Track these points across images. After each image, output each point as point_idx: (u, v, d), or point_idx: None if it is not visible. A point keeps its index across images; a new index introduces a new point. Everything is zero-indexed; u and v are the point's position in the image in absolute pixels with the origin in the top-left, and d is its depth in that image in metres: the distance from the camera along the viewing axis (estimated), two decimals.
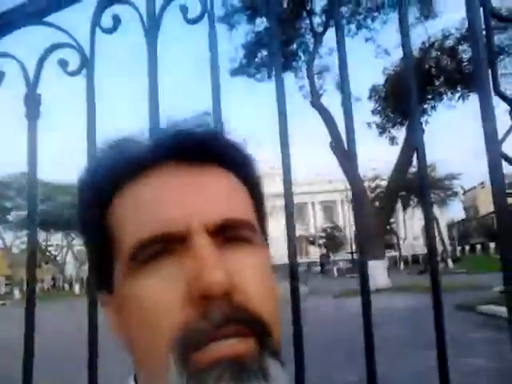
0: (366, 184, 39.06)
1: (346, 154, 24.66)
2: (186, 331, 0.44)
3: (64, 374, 7.87)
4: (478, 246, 70.33)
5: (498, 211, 1.18)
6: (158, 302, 0.46)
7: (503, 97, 1.33)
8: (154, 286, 0.46)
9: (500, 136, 1.26)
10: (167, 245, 0.47)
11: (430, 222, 1.30)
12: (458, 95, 23.13)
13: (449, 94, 23.51)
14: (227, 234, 0.49)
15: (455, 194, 56.19)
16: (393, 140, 26.17)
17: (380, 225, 25.36)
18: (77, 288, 53.94)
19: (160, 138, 0.53)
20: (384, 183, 37.54)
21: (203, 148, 0.52)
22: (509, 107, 1.32)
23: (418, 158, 1.29)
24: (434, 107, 24.06)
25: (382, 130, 26.11)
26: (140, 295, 0.47)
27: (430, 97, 23.51)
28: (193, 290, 0.45)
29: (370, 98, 25.49)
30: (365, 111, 25.94)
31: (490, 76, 1.27)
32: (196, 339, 0.44)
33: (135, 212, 0.50)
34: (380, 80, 25.06)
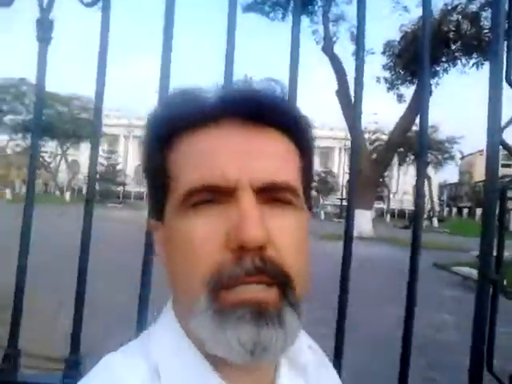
0: (366, 136, 38.79)
1: (350, 104, 24.38)
2: (219, 272, 0.49)
3: (53, 270, 8.25)
4: (465, 210, 71.19)
5: (489, 182, 1.31)
6: (200, 242, 0.51)
7: None
8: (199, 227, 0.51)
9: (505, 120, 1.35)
10: (216, 194, 0.52)
11: (421, 179, 1.38)
12: (472, 62, 22.57)
13: (464, 59, 22.91)
14: (272, 194, 0.53)
15: (452, 157, 55.90)
16: (400, 97, 25.75)
17: (373, 176, 25.48)
18: (67, 196, 54.39)
19: (226, 95, 0.56)
20: (384, 137, 37.31)
21: (263, 110, 0.54)
22: None
23: (420, 115, 1.37)
24: (446, 70, 23.51)
25: (391, 85, 25.58)
26: (186, 232, 0.52)
27: (444, 59, 22.94)
28: (232, 239, 0.49)
29: (383, 52, 24.77)
30: (376, 65, 25.38)
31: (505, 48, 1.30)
32: (227, 280, 0.49)
33: (192, 159, 0.54)
34: (396, 36, 24.33)
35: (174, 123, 0.56)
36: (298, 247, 0.54)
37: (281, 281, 0.51)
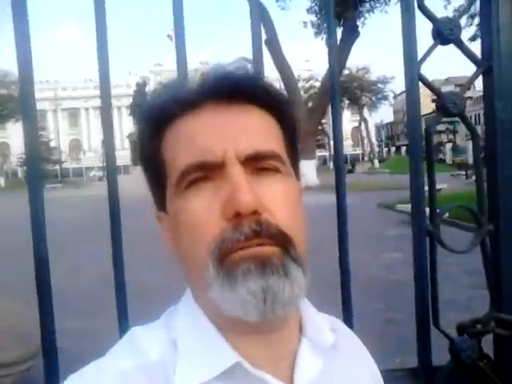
0: (300, 84, 38.85)
1: (280, 52, 24.24)
2: (221, 240, 0.53)
3: None
4: (404, 148, 73.76)
5: (411, 121, 1.23)
6: (200, 216, 0.55)
7: (427, 13, 1.27)
8: (197, 202, 0.56)
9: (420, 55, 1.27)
10: (206, 172, 0.56)
11: (338, 122, 1.28)
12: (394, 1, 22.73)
13: None
14: (258, 163, 0.57)
15: (385, 97, 57.37)
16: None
17: (312, 125, 25.77)
18: (1, 181, 52.50)
19: (204, 80, 0.60)
20: (318, 84, 37.53)
21: (241, 89, 0.59)
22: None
23: (329, 62, 1.27)
24: (371, 10, 23.62)
25: (318, 30, 25.53)
26: (185, 210, 0.57)
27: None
28: (227, 209, 0.53)
29: None
30: (302, 10, 25.15)
31: None
32: (229, 246, 0.53)
33: (181, 144, 0.58)
34: None
35: (161, 113, 0.60)
36: (292, 210, 0.57)
37: (280, 240, 0.54)
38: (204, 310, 0.60)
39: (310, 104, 29.55)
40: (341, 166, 1.28)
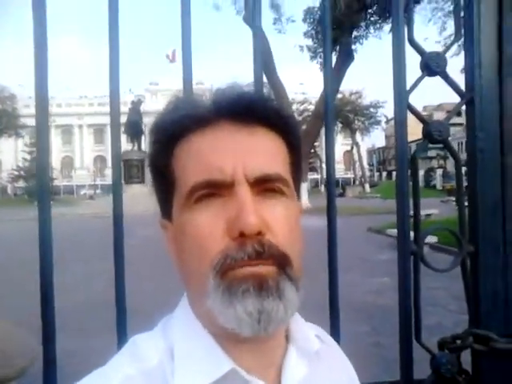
0: (294, 107, 39.22)
1: (274, 72, 24.43)
2: (224, 256, 0.56)
3: None
4: (395, 173, 74.12)
5: (399, 148, 1.30)
6: (205, 233, 0.58)
7: (416, 48, 1.34)
8: (203, 218, 0.58)
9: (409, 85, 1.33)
10: (216, 189, 0.58)
11: (331, 149, 1.34)
12: (389, 26, 23.16)
13: (379, 24, 23.41)
14: (265, 185, 0.59)
15: (378, 122, 57.79)
16: (323, 65, 26.14)
17: (305, 147, 25.87)
18: None
19: (218, 98, 0.62)
20: (312, 107, 37.88)
21: (254, 110, 0.61)
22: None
23: (324, 89, 1.32)
24: (365, 36, 24.01)
25: (314, 54, 25.86)
26: (191, 224, 0.59)
27: (362, 25, 23.40)
28: (232, 227, 0.56)
29: (304, 20, 24.95)
30: (299, 34, 25.50)
31: (406, 24, 1.31)
32: (232, 263, 0.56)
33: (192, 160, 0.60)
34: (316, 2, 24.44)
35: (174, 129, 0.62)
36: (291, 231, 0.60)
37: (279, 260, 0.57)
38: (200, 318, 0.62)
39: (304, 127, 29.74)
40: (333, 190, 1.32)
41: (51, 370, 1.14)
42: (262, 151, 0.61)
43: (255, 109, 0.61)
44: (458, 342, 1.21)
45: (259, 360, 0.63)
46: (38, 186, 1.17)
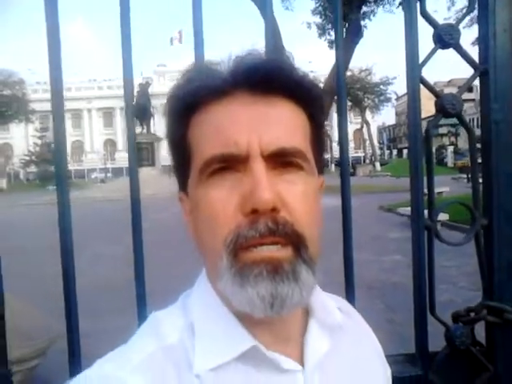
0: None
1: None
2: (236, 234, 0.54)
3: None
4: (405, 151, 73.67)
5: (412, 123, 1.29)
6: (218, 209, 0.56)
7: (429, 20, 1.33)
8: (216, 195, 0.56)
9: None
10: (230, 163, 0.56)
11: (344, 129, 1.35)
12: (398, 1, 22.71)
13: None
14: (282, 159, 0.56)
15: (388, 99, 57.21)
16: (332, 43, 25.77)
17: None
18: (4, 183, 52.12)
19: (235, 68, 0.59)
20: (321, 86, 37.49)
21: (271, 80, 0.57)
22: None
23: (337, 66, 1.33)
24: (373, 12, 23.59)
25: (322, 31, 25.50)
26: (205, 199, 0.57)
27: (371, 0, 22.97)
28: (246, 204, 0.54)
29: None
30: (307, 11, 25.11)
31: None
32: (244, 242, 0.54)
33: (207, 132, 0.58)
34: None
35: (189, 100, 0.59)
36: (309, 209, 0.57)
37: (294, 240, 0.55)
38: (217, 291, 0.61)
39: None
40: (346, 169, 1.33)
41: (75, 348, 1.17)
42: (279, 123, 0.57)
43: (274, 78, 0.57)
44: (472, 314, 1.22)
45: (278, 335, 0.62)
46: (56, 171, 1.19)
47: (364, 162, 64.43)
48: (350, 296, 1.24)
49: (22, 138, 75.67)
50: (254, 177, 0.54)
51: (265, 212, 0.53)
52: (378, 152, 70.30)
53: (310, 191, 0.59)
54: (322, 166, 0.66)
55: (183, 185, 0.65)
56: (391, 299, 5.87)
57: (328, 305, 0.67)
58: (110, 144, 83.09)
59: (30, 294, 3.72)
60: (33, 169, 64.45)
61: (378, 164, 52.44)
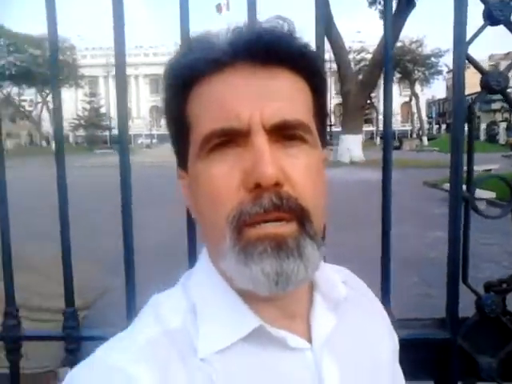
0: (351, 56, 37.96)
1: (332, 23, 23.65)
2: (240, 211, 0.53)
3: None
4: None
5: (456, 98, 1.30)
6: (219, 185, 0.54)
7: None
8: (217, 171, 0.55)
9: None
10: (231, 137, 0.54)
11: (389, 102, 1.33)
12: None
13: None
14: (285, 132, 0.55)
15: (439, 72, 55.11)
16: (383, 13, 24.98)
17: (361, 98, 25.23)
18: (54, 145, 53.74)
19: (235, 39, 0.57)
20: (370, 56, 36.55)
21: (274, 51, 0.55)
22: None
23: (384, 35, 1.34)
24: None
25: (373, 0, 24.75)
26: (206, 175, 0.56)
27: None
28: (248, 179, 0.52)
29: None
30: None
31: None
32: (247, 218, 0.53)
33: (207, 106, 0.56)
34: None
35: (188, 73, 0.58)
36: (313, 182, 0.56)
37: (299, 215, 0.54)
38: (219, 270, 0.60)
39: (360, 77, 28.76)
40: (390, 143, 1.34)
41: (131, 294, 1.27)
42: (281, 95, 0.56)
43: (275, 49, 0.55)
44: (504, 285, 1.26)
45: (283, 311, 0.61)
46: (119, 135, 1.28)
47: (411, 136, 62.79)
48: (385, 269, 1.27)
49: (72, 102, 77.47)
50: (257, 151, 0.53)
51: (268, 187, 0.52)
52: (426, 126, 68.19)
53: (314, 165, 0.58)
54: (325, 139, 0.65)
55: (182, 161, 0.63)
56: (428, 274, 5.86)
57: (333, 280, 0.67)
58: (156, 110, 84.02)
59: (88, 252, 3.93)
60: (81, 132, 66.21)
61: (425, 138, 50.96)
